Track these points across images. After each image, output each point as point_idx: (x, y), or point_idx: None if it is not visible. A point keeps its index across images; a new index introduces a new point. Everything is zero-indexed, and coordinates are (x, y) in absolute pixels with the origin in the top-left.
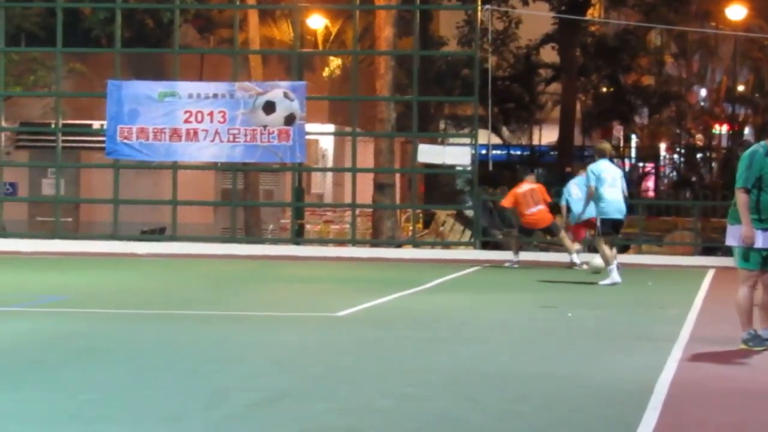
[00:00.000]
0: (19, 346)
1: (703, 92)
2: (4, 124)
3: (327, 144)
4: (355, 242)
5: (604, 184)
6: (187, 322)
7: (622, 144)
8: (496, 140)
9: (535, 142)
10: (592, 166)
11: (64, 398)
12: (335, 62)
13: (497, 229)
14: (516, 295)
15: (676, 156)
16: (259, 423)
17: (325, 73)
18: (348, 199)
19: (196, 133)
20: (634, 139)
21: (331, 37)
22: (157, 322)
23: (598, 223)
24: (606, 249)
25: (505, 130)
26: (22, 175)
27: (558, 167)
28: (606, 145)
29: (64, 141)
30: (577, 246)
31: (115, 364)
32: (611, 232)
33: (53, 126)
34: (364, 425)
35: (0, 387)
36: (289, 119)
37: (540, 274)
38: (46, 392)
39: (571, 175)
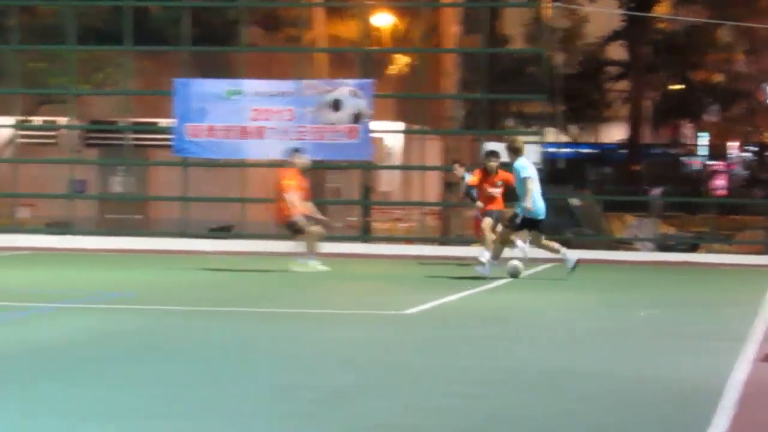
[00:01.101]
0: (85, 342)
1: None
2: (74, 122)
3: (395, 142)
4: (422, 240)
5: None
6: (253, 319)
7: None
8: (564, 138)
9: (603, 140)
10: (521, 162)
11: (131, 394)
12: (402, 60)
13: (567, 227)
14: (581, 294)
15: (746, 154)
16: (322, 420)
17: (393, 70)
18: (416, 197)
19: (263, 130)
20: (703, 137)
21: (398, 35)
22: (223, 319)
23: (518, 219)
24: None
25: (572, 128)
26: (92, 173)
27: (626, 165)
28: (521, 143)
29: (132, 139)
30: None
31: (181, 360)
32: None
33: (122, 124)
34: (427, 423)
35: (67, 383)
36: (356, 117)
37: (607, 273)
38: (113, 388)
39: (639, 174)
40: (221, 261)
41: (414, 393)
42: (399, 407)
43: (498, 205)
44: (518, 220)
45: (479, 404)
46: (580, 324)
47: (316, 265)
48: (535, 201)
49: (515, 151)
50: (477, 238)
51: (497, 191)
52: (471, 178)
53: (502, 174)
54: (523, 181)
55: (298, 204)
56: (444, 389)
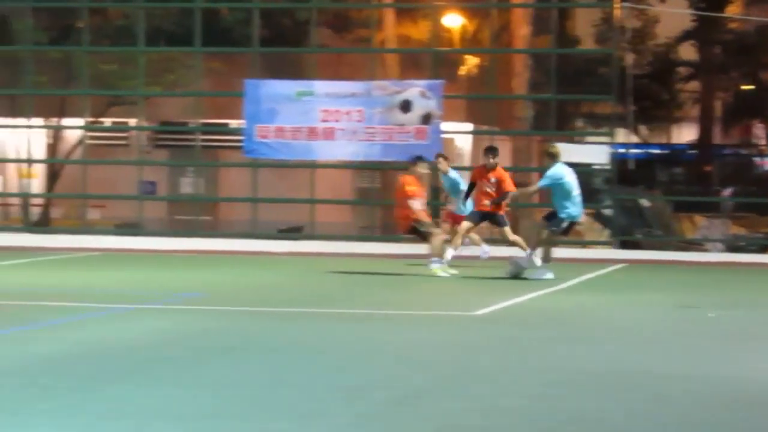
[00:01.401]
0: (159, 343)
1: None
2: (144, 123)
3: (464, 143)
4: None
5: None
6: (323, 320)
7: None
8: (634, 139)
9: (674, 140)
10: (556, 169)
11: (205, 395)
12: (472, 61)
13: (638, 228)
14: (653, 295)
15: None
16: (396, 421)
17: (462, 71)
18: None
19: (333, 131)
20: None
21: (468, 36)
22: (293, 320)
23: (565, 224)
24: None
25: (642, 129)
26: (162, 174)
27: (697, 166)
28: (558, 149)
29: (202, 140)
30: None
31: (253, 361)
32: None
33: (192, 125)
34: (499, 424)
35: (142, 383)
36: (426, 118)
37: (676, 274)
38: (187, 389)
39: (709, 174)
40: (290, 262)
41: (489, 394)
42: (474, 408)
43: (484, 207)
44: (564, 225)
45: (556, 405)
46: (652, 325)
47: (438, 269)
48: (574, 204)
49: (552, 157)
50: (448, 233)
51: (491, 189)
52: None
53: (499, 171)
54: (561, 186)
55: (421, 210)
56: (519, 390)
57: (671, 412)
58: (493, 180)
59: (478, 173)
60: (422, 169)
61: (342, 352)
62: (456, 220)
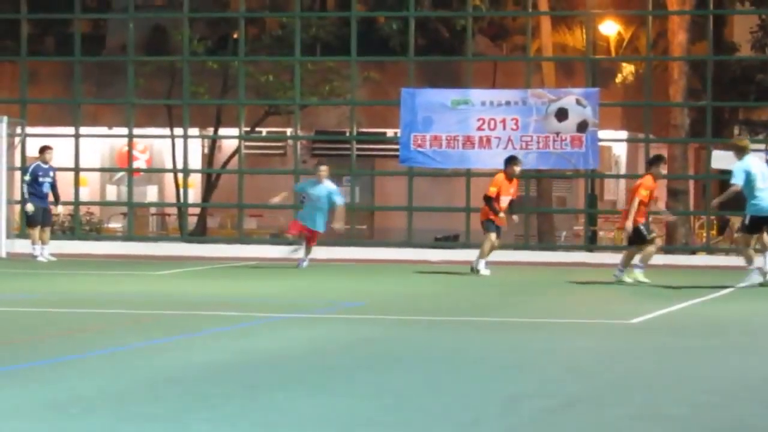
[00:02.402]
0: (317, 351)
1: None
2: (300, 132)
3: (620, 150)
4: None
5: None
6: (479, 328)
7: None
8: None
9: None
10: (742, 164)
11: (362, 403)
12: (628, 68)
13: None
14: None
15: None
16: (553, 429)
17: (618, 79)
18: None
19: (489, 140)
20: None
21: (624, 43)
22: (450, 329)
23: (747, 221)
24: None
25: None
26: None
27: None
28: (745, 142)
29: (358, 149)
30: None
31: (410, 369)
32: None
33: (348, 134)
34: None
35: (301, 392)
36: (582, 126)
37: None
38: (344, 397)
39: None
40: (447, 270)
41: (644, 402)
42: (634, 416)
43: (501, 221)
44: (747, 221)
45: (715, 414)
46: None
47: (639, 276)
48: (759, 199)
49: (739, 150)
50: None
51: (507, 199)
52: (491, 189)
53: (517, 181)
54: (746, 179)
55: (642, 213)
56: (676, 398)
57: None
58: (511, 190)
59: (505, 184)
60: (662, 169)
61: (499, 360)
62: (295, 227)
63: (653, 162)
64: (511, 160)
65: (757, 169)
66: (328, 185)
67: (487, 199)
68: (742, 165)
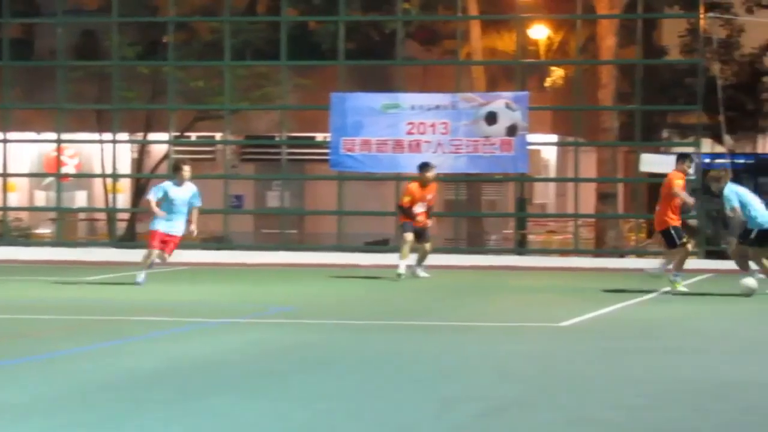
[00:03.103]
0: (249, 356)
1: None
2: (230, 137)
3: (550, 154)
4: (578, 252)
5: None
6: (411, 332)
7: None
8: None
9: (760, 150)
10: (728, 190)
11: (297, 408)
12: (558, 72)
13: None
14: (743, 305)
15: None
16: None
17: (548, 83)
18: (571, 209)
19: (419, 144)
20: None
21: (554, 47)
22: (382, 333)
23: (753, 235)
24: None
25: (728, 139)
26: (248, 188)
27: None
28: (720, 171)
29: (289, 153)
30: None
31: (343, 374)
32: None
33: (278, 138)
34: None
35: (234, 397)
36: (512, 130)
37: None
38: (278, 402)
39: None
40: (377, 275)
41: (576, 405)
42: (561, 419)
43: (421, 223)
44: (753, 236)
45: (644, 416)
46: (743, 335)
47: (678, 283)
48: (760, 213)
49: (718, 180)
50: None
51: (423, 205)
52: (405, 198)
53: (433, 186)
54: (740, 200)
55: (676, 212)
56: (609, 402)
57: (762, 424)
58: (429, 197)
59: (418, 190)
60: (688, 168)
61: (431, 364)
62: (153, 237)
63: (678, 158)
64: (423, 167)
65: (742, 189)
66: (191, 186)
67: (401, 209)
68: (729, 189)
